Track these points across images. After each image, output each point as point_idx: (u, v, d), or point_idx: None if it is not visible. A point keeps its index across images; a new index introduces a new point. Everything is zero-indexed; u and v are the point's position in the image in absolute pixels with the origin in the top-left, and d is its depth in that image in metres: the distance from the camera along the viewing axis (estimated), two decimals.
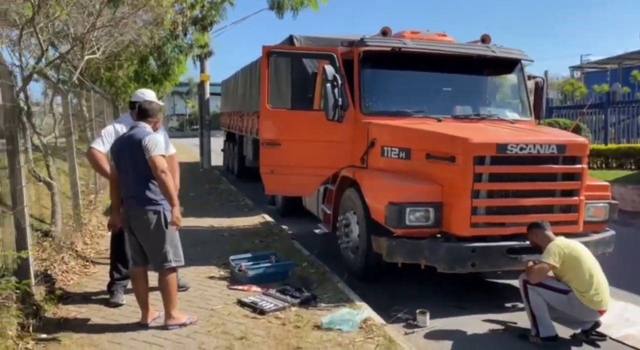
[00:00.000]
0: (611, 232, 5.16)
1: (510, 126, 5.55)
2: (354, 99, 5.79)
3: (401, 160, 5.14)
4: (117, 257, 4.44)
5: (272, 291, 4.63)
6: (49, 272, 4.70)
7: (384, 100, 5.89)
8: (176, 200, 3.64)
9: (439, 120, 5.56)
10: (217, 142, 16.84)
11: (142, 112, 3.93)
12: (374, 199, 5.07)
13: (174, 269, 3.84)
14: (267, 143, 6.00)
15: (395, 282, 5.42)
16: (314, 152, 5.88)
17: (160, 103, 4.40)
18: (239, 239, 6.91)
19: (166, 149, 3.84)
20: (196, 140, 17.58)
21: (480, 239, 4.64)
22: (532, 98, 6.36)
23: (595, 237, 4.99)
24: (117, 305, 4.32)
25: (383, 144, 5.35)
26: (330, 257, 6.12)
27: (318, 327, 3.96)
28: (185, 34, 13.51)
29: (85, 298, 4.54)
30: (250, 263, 5.17)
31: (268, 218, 8.39)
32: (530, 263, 4.18)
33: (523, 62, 6.32)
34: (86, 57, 7.29)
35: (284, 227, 7.88)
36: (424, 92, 6.04)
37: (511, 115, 6.12)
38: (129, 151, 3.72)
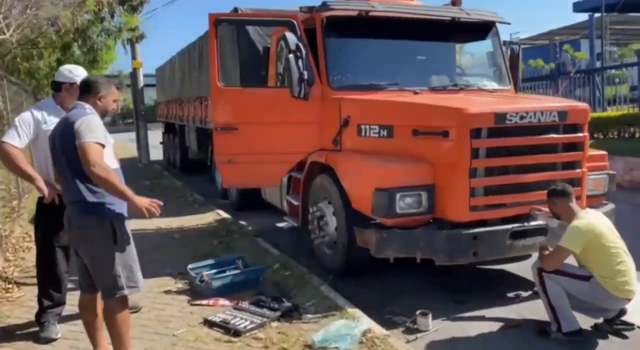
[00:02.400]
0: (611, 206, 4.73)
1: (496, 95, 5.01)
2: (320, 72, 5.04)
3: (382, 139, 4.46)
4: (47, 277, 3.51)
5: (245, 304, 3.85)
6: None
7: (353, 73, 5.18)
8: (129, 192, 2.72)
9: (416, 93, 4.92)
10: (154, 136, 15.60)
11: (84, 87, 2.99)
12: (356, 185, 4.38)
13: (126, 300, 2.95)
14: (221, 128, 5.15)
15: (381, 277, 4.78)
16: (278, 135, 5.09)
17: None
18: (193, 241, 6.04)
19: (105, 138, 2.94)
20: (131, 135, 16.25)
21: (480, 224, 4.07)
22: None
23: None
24: (49, 340, 3.40)
25: (359, 122, 4.64)
26: (303, 254, 5.41)
27: (309, 347, 3.24)
28: (112, 16, 12.20)
29: (8, 333, 3.58)
30: (214, 271, 4.35)
31: (223, 214, 7.53)
32: (546, 251, 3.65)
33: (498, 26, 5.78)
34: None
35: (243, 223, 7.07)
36: (395, 62, 5.37)
37: (490, 84, 5.57)
38: (62, 141, 2.81)
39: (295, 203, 5.53)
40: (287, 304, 3.81)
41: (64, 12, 9.32)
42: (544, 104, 4.24)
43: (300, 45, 4.77)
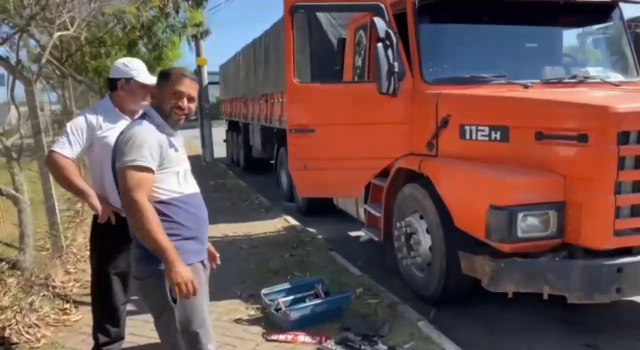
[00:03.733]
0: None
1: (629, 90, 4.10)
2: (411, 64, 4.32)
3: (494, 143, 3.67)
4: (102, 310, 3.00)
5: (330, 344, 3.21)
6: (6, 333, 3.28)
7: (450, 64, 4.42)
8: (169, 253, 1.98)
9: (526, 87, 4.10)
10: (217, 133, 15.38)
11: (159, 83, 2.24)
12: (461, 200, 3.63)
13: None
14: (296, 130, 4.53)
15: (483, 307, 4.00)
16: (361, 138, 4.41)
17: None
18: (263, 252, 5.48)
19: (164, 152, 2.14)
20: (193, 132, 16.11)
21: (623, 253, 3.23)
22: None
23: None
24: None
25: (462, 122, 3.87)
26: (385, 272, 4.74)
27: None
28: (177, 12, 11.99)
29: None
30: (291, 298, 3.73)
31: (292, 220, 6.96)
32: None
33: (622, 6, 4.82)
34: (56, 34, 5.79)
35: (312, 230, 6.46)
36: (500, 50, 4.55)
37: (614, 75, 4.64)
38: (113, 162, 2.20)
39: (376, 214, 4.84)
40: (381, 346, 3.13)
41: (129, 8, 9.09)
42: None
43: (391, 32, 4.06)
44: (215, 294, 4.11)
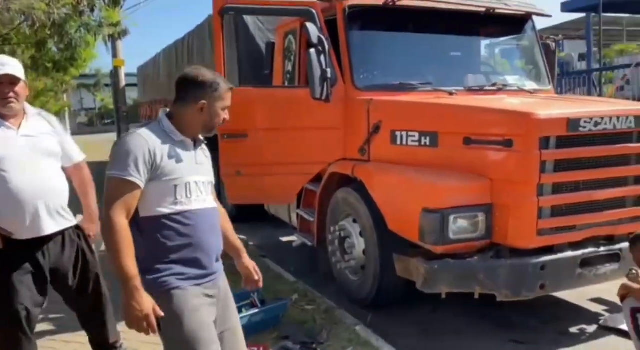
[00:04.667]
0: None
1: (544, 97, 4.39)
2: (343, 70, 4.35)
3: (423, 149, 3.78)
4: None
5: None
6: None
7: (380, 71, 4.50)
8: (129, 282, 1.82)
9: (451, 94, 4.27)
10: None
11: (180, 85, 2.07)
12: (394, 204, 3.70)
13: None
14: (228, 135, 4.41)
15: (415, 308, 4.10)
16: (294, 143, 4.38)
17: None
18: None
19: None
20: (109, 136, 15.37)
21: (546, 251, 3.43)
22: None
23: None
24: None
25: (394, 128, 3.96)
26: (318, 277, 4.73)
27: None
28: (92, 10, 11.35)
29: None
30: None
31: None
32: (636, 285, 3.02)
33: (534, 19, 5.16)
34: None
35: (242, 237, 6.31)
36: (426, 58, 4.71)
37: (529, 84, 4.95)
38: None
39: (310, 219, 4.82)
40: None
41: (39, 4, 8.49)
42: (618, 107, 3.62)
43: (323, 38, 4.07)
44: None
